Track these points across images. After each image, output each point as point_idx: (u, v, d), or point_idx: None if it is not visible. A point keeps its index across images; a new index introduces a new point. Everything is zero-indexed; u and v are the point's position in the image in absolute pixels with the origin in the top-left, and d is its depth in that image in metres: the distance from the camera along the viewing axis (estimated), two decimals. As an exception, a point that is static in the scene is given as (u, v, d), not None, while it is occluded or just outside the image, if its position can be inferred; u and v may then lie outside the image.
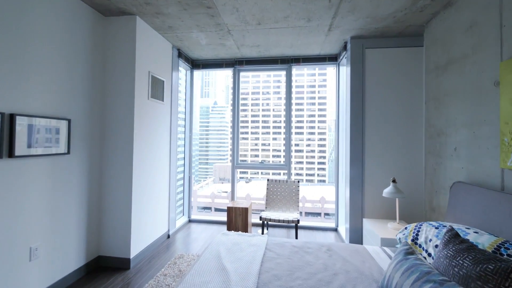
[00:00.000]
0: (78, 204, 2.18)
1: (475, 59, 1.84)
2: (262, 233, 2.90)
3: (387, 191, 2.21)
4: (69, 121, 2.04)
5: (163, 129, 3.00)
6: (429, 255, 1.46)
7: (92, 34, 2.29)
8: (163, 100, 2.93)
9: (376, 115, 2.76)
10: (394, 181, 2.23)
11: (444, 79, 2.21)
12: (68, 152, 2.05)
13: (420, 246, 1.55)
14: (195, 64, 3.75)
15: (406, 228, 1.74)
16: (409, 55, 2.71)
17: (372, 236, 2.28)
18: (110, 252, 2.39)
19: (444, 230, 1.49)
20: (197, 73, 4.00)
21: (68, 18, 2.04)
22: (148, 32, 2.61)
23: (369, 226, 2.41)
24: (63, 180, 2.03)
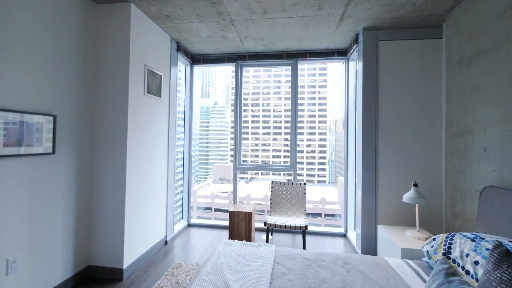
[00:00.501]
0: (65, 209, 1.97)
1: (510, 48, 1.63)
2: (267, 240, 2.69)
3: (407, 196, 2.00)
4: (54, 117, 1.83)
5: (161, 127, 2.78)
6: (467, 273, 1.25)
7: (82, 22, 2.08)
8: (160, 96, 2.72)
9: (391, 113, 2.54)
10: (415, 185, 2.01)
11: (470, 72, 2.00)
12: (53, 152, 1.84)
13: (454, 261, 1.34)
14: (195, 59, 3.53)
15: (434, 239, 1.53)
16: (426, 48, 2.50)
17: (389, 245, 2.07)
18: (101, 261, 2.18)
19: (484, 243, 1.29)
20: (197, 70, 3.79)
21: (54, 3, 1.83)
22: (144, 22, 2.40)
23: (384, 233, 2.20)
24: (47, 182, 1.82)
